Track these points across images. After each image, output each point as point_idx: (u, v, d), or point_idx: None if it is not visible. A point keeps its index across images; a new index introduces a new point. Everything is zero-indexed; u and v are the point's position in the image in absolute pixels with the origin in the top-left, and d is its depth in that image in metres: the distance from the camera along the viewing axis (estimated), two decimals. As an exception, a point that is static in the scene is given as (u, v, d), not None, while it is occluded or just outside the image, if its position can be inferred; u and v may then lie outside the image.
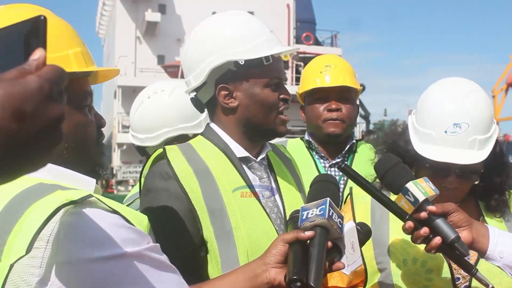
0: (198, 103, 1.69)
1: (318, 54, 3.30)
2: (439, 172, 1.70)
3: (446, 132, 1.68)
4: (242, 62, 1.56)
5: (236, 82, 1.60)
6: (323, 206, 1.29)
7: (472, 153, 1.67)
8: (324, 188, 1.43)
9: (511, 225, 1.79)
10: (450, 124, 1.67)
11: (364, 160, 2.64)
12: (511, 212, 1.83)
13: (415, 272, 1.71)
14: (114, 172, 24.18)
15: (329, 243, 1.30)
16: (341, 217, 1.33)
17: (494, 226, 1.74)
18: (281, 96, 1.63)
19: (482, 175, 1.76)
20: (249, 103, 1.60)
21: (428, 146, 1.71)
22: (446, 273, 1.71)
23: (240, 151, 1.62)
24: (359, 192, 1.83)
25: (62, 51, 1.15)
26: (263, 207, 1.57)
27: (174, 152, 1.57)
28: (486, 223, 1.77)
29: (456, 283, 1.71)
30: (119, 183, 24.16)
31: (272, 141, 1.78)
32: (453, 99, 1.70)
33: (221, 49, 1.58)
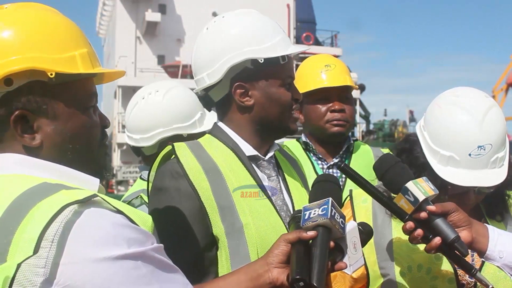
0: (207, 101, 1.69)
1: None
2: (458, 192, 1.68)
3: (470, 155, 1.63)
4: (261, 61, 1.56)
5: (252, 81, 1.60)
6: (325, 206, 1.29)
7: (495, 171, 1.64)
8: (326, 188, 1.43)
9: None
10: (474, 147, 1.62)
11: (362, 161, 2.64)
12: (511, 215, 1.82)
13: (420, 279, 1.70)
14: (114, 172, 24.15)
15: (331, 243, 1.30)
16: (343, 217, 1.33)
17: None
18: (294, 96, 1.65)
19: None
20: (265, 102, 1.61)
21: (450, 169, 1.65)
22: (451, 280, 1.69)
23: (249, 150, 1.62)
24: (358, 195, 1.83)
25: (68, 52, 1.14)
26: (273, 205, 1.57)
27: (183, 149, 1.57)
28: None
29: None
30: (119, 183, 24.14)
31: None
32: (474, 120, 1.64)
33: (240, 47, 1.57)
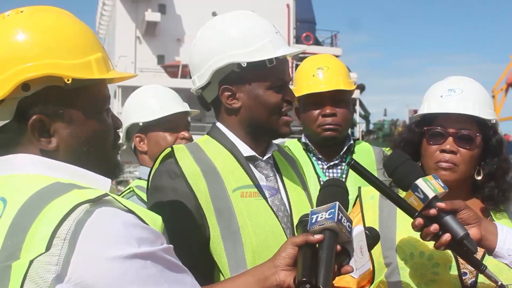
0: (203, 102, 1.70)
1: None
2: (435, 136, 1.78)
3: (441, 96, 1.81)
4: (244, 65, 1.57)
5: (239, 84, 1.61)
6: (332, 210, 1.30)
7: (468, 109, 1.76)
8: (333, 192, 1.44)
9: None
10: (445, 90, 1.82)
11: (363, 160, 2.63)
12: None
13: (422, 266, 1.73)
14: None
15: (338, 247, 1.31)
16: (350, 221, 1.34)
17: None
18: (285, 98, 1.64)
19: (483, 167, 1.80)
20: (251, 105, 1.61)
21: (425, 106, 1.86)
22: (453, 267, 1.72)
23: (246, 150, 1.63)
24: (367, 192, 1.87)
25: (84, 57, 1.15)
26: (270, 205, 1.59)
27: (181, 152, 1.58)
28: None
29: (463, 278, 1.71)
30: (119, 183, 24.11)
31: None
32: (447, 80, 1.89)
33: (225, 50, 1.59)
